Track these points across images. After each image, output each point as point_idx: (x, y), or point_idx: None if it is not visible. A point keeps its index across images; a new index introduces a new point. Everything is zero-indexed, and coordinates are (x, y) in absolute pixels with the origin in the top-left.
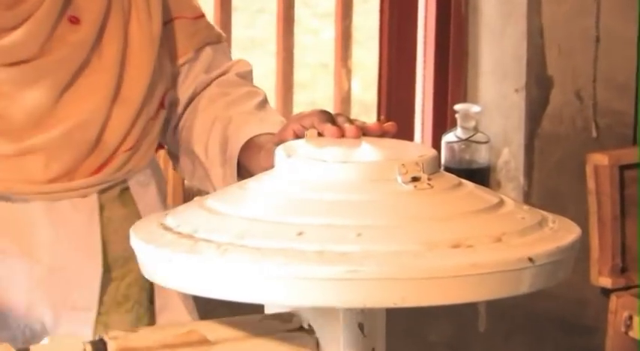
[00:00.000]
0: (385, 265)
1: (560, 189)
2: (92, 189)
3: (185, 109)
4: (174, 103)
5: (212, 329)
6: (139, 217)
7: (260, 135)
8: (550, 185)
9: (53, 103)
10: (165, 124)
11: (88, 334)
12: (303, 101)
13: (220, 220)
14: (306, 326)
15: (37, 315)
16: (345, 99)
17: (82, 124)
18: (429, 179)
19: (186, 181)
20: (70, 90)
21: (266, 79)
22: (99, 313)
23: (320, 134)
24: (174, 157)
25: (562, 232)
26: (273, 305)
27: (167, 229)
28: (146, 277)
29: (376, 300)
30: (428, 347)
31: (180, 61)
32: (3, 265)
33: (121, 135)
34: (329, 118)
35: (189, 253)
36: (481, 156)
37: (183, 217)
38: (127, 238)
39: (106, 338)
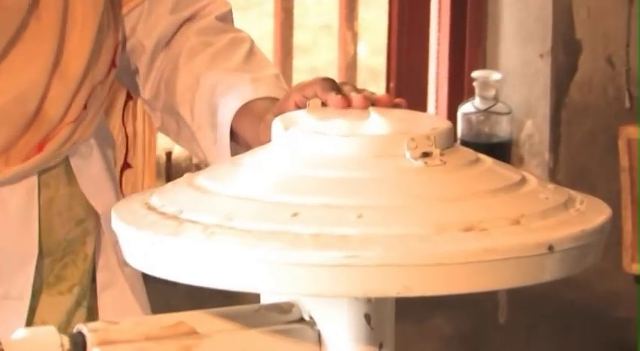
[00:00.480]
0: (388, 250)
1: (589, 165)
2: (36, 169)
3: (153, 55)
4: (137, 50)
5: (202, 320)
6: (83, 195)
7: (255, 100)
8: (578, 161)
9: None
10: (131, 76)
11: (19, 324)
12: (304, 67)
13: (208, 200)
14: (307, 317)
15: None
16: (351, 65)
17: (18, 97)
18: (441, 154)
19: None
20: (6, 60)
21: (263, 42)
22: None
23: (324, 104)
24: (154, 112)
25: (590, 214)
26: (269, 294)
27: (151, 208)
28: (128, 262)
29: (378, 289)
30: (442, 341)
31: (132, 3)
32: None
33: (63, 106)
34: (333, 86)
35: (172, 235)
36: (502, 129)
37: (170, 195)
38: (72, 219)
39: (84, 331)
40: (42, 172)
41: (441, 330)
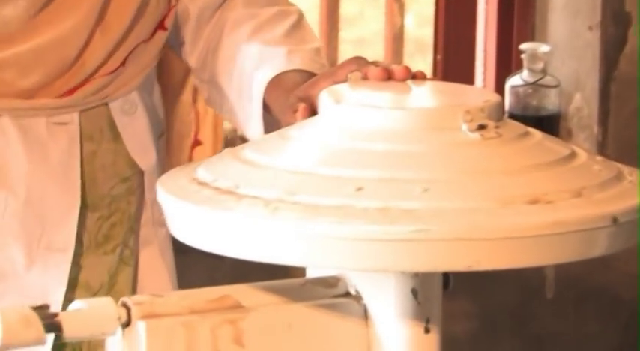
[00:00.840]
0: (457, 224)
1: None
2: (66, 110)
3: (199, 23)
4: (184, 16)
5: (247, 294)
6: (127, 153)
7: (287, 72)
8: (627, 135)
9: (29, 19)
10: (180, 45)
11: (62, 278)
12: (350, 39)
13: (264, 174)
14: (353, 292)
15: (9, 254)
16: (397, 37)
17: (59, 41)
18: (496, 127)
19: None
20: (50, 7)
21: (309, 13)
22: (75, 254)
23: (364, 78)
24: (201, 84)
25: None
26: (333, 270)
27: (202, 184)
28: (178, 238)
29: (447, 263)
30: (489, 315)
31: None
32: None
33: (101, 58)
34: (367, 62)
35: (232, 211)
36: (550, 102)
37: (219, 170)
38: (116, 175)
39: (129, 303)
40: (84, 124)
41: (488, 305)
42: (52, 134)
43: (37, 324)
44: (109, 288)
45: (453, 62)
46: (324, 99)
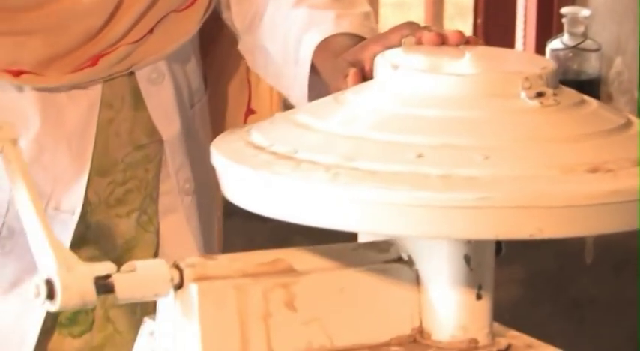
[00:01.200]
0: (520, 192)
1: None
2: (88, 83)
3: None
4: None
5: (300, 258)
6: (149, 122)
7: (336, 36)
8: None
9: None
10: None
11: (67, 237)
12: (390, 2)
13: (323, 139)
14: (405, 257)
15: (17, 213)
16: (438, 0)
17: (85, 9)
18: (554, 94)
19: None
20: None
21: None
22: (83, 213)
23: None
24: (245, 48)
25: None
26: (394, 236)
27: (258, 148)
28: (233, 202)
29: (510, 231)
30: (528, 281)
31: None
32: None
33: (128, 26)
34: (419, 26)
35: (292, 176)
36: (590, 66)
37: (274, 134)
38: (131, 143)
39: (182, 265)
40: (106, 91)
41: (527, 271)
42: (71, 98)
43: (92, 290)
44: (125, 251)
45: (493, 26)
46: (381, 64)
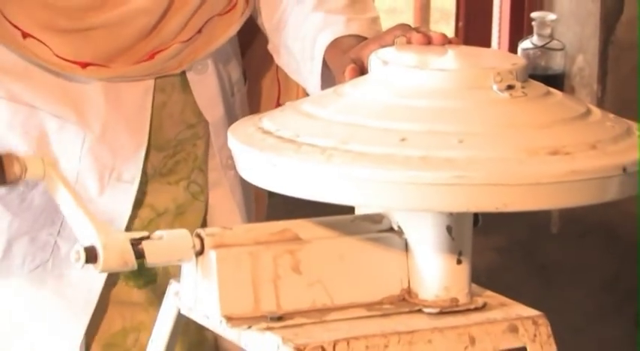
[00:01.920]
0: (490, 171)
1: (633, 96)
2: (146, 76)
3: None
4: None
5: (305, 228)
6: (195, 105)
7: (345, 36)
8: (623, 93)
9: None
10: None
11: (128, 204)
12: (383, 8)
13: (321, 125)
14: (395, 227)
15: (84, 183)
16: (425, 6)
17: (141, 10)
18: (522, 87)
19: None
20: None
21: None
22: (141, 183)
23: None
24: (274, 47)
25: None
26: (379, 210)
27: (266, 132)
28: (246, 179)
29: (480, 205)
30: (501, 249)
31: None
32: (62, 131)
33: (178, 26)
34: (410, 28)
35: (293, 157)
36: (556, 63)
37: (281, 121)
38: (182, 123)
39: (203, 234)
40: (158, 79)
41: (500, 240)
42: (129, 85)
43: (130, 251)
44: (175, 215)
45: (473, 28)
46: (374, 60)
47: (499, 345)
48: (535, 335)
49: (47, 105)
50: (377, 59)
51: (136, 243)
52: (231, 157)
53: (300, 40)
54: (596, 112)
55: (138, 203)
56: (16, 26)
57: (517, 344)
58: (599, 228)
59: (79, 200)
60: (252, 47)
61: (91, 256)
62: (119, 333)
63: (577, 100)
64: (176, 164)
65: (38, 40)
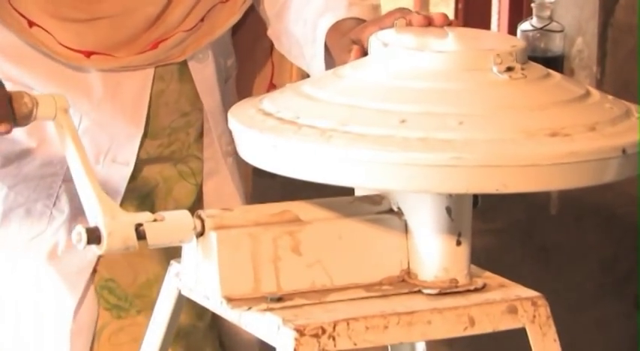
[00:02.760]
0: (488, 153)
1: (632, 78)
2: (149, 65)
3: None
4: None
5: (305, 209)
6: (195, 92)
7: (346, 19)
8: (622, 74)
9: None
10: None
11: (122, 183)
12: None
13: (321, 107)
14: (395, 209)
15: None
16: None
17: (146, 2)
18: (521, 69)
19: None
20: None
21: None
22: (136, 165)
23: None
24: (274, 33)
25: None
26: (377, 190)
27: (267, 114)
28: (246, 160)
29: (479, 186)
30: (500, 230)
31: None
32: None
33: (181, 15)
34: (410, 11)
35: (293, 138)
36: (555, 45)
37: (282, 102)
38: (177, 111)
39: (203, 216)
40: (158, 67)
41: (502, 220)
42: (129, 73)
43: (133, 236)
44: (166, 192)
45: (472, 10)
46: (374, 42)
47: (498, 326)
48: (534, 316)
49: (45, 88)
50: (377, 41)
51: (138, 226)
52: (230, 143)
53: (301, 24)
54: (595, 94)
55: (133, 177)
56: (22, 15)
57: (516, 325)
58: (597, 209)
59: (85, 163)
60: (243, 28)
61: (93, 237)
62: (145, 284)
63: (576, 82)
64: (172, 153)
65: (43, 28)
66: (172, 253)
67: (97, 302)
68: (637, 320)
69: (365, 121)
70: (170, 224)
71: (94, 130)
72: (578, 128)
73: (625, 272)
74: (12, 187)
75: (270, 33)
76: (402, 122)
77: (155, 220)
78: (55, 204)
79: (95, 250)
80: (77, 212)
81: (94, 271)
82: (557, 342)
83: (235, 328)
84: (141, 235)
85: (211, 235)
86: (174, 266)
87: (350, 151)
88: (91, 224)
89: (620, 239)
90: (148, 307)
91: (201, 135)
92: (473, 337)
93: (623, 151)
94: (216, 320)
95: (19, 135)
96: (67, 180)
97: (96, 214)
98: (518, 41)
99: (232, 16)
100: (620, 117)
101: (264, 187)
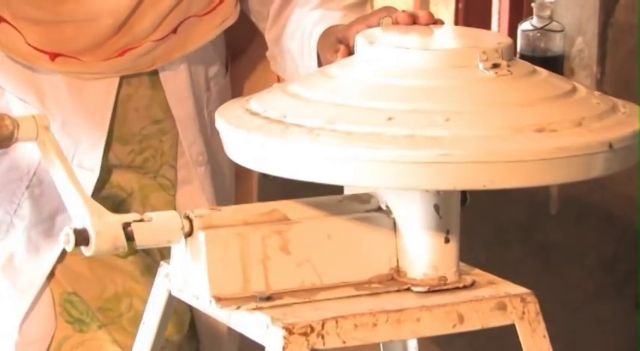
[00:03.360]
0: (475, 149)
1: (632, 78)
2: (116, 73)
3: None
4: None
5: (293, 208)
6: (165, 101)
7: (335, 25)
8: (622, 74)
9: None
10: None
11: (89, 189)
12: None
13: (308, 106)
14: (383, 207)
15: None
16: None
17: (105, 9)
18: (507, 66)
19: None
20: None
21: None
22: (107, 172)
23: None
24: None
25: (634, 117)
26: (365, 188)
27: (254, 114)
28: (234, 160)
29: (466, 183)
30: (499, 228)
31: None
32: (26, 113)
33: (150, 25)
34: (396, 9)
35: (281, 137)
36: (555, 44)
37: (269, 102)
38: (148, 118)
39: (191, 216)
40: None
41: (501, 219)
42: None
43: (121, 236)
44: (142, 200)
45: (472, 10)
46: (360, 41)
47: (487, 323)
48: (523, 312)
49: (14, 89)
50: (363, 39)
51: (125, 226)
52: (201, 154)
53: (298, 37)
54: (582, 89)
55: (104, 182)
56: None
57: (505, 322)
58: (597, 209)
59: (70, 174)
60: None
61: (81, 238)
62: (112, 298)
63: (562, 79)
64: (145, 161)
65: (12, 25)
66: (148, 265)
67: (54, 315)
68: (637, 320)
69: (352, 119)
70: (158, 224)
71: (59, 133)
72: (565, 124)
73: (625, 272)
74: None
75: (268, 54)
76: (389, 120)
77: (142, 221)
78: (16, 211)
79: (84, 251)
80: (38, 220)
81: (55, 280)
82: (547, 338)
83: (217, 340)
84: (129, 236)
85: (200, 235)
86: (163, 267)
87: (337, 149)
88: (75, 225)
89: (620, 239)
90: (112, 322)
91: (176, 143)
92: (473, 337)
93: (610, 145)
94: (195, 332)
95: None
96: (32, 186)
97: (83, 216)
98: (505, 38)
99: (209, 32)
100: (606, 112)
101: (265, 186)
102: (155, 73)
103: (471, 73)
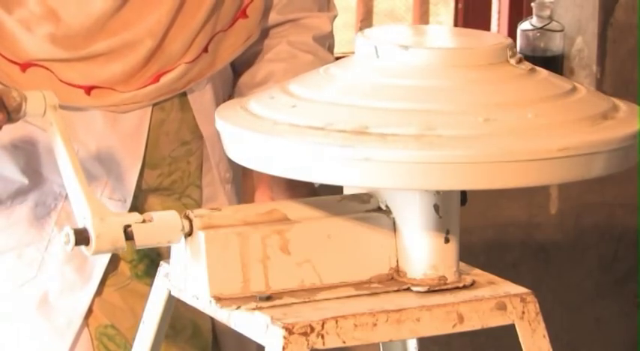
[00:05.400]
0: (477, 149)
1: (632, 77)
2: (151, 100)
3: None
4: None
5: (293, 208)
6: (193, 121)
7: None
8: (622, 74)
9: (117, 10)
10: None
11: None
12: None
13: (310, 106)
14: (383, 207)
15: None
16: None
17: (144, 33)
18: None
19: None
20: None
21: None
22: (135, 197)
23: None
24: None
25: (634, 117)
26: (360, 187)
27: (254, 114)
28: (234, 160)
29: (468, 183)
30: (500, 228)
31: None
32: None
33: (183, 46)
34: None
35: (281, 138)
36: (555, 44)
37: (268, 103)
38: (178, 141)
39: (191, 216)
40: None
41: (502, 219)
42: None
43: (121, 237)
44: None
45: (472, 10)
46: (360, 41)
47: (487, 322)
48: (523, 312)
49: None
50: (362, 39)
51: (126, 227)
52: (228, 171)
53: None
54: (581, 89)
55: (134, 209)
56: (13, 61)
57: (505, 322)
58: (597, 209)
59: (75, 165)
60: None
61: (81, 238)
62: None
63: (562, 78)
64: (172, 183)
65: (43, 66)
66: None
67: (92, 349)
68: (637, 319)
69: (356, 120)
70: (158, 225)
71: (91, 163)
72: (565, 123)
73: (624, 271)
74: (3, 230)
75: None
76: (389, 120)
77: (144, 221)
78: (46, 248)
79: (84, 251)
80: (71, 255)
81: (91, 315)
82: (547, 338)
83: None
84: (129, 236)
85: (199, 235)
86: (163, 267)
87: (338, 149)
88: (76, 225)
89: (620, 239)
90: None
91: (201, 163)
92: (473, 337)
93: (610, 145)
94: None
95: (13, 173)
96: (60, 221)
97: (84, 215)
98: (505, 39)
99: (236, 48)
100: (606, 112)
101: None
102: (184, 94)
103: (471, 73)
